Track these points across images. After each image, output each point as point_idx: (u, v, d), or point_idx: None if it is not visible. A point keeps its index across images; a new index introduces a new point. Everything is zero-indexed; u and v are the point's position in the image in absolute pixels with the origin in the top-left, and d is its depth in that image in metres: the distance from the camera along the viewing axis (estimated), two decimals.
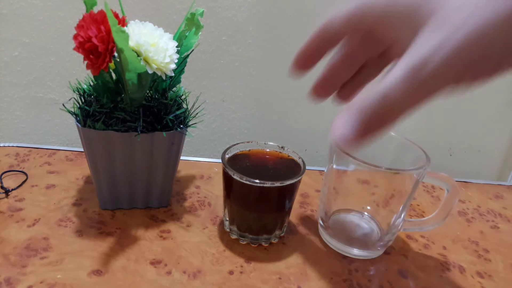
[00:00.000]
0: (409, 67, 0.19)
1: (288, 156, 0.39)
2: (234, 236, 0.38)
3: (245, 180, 0.33)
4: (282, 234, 0.39)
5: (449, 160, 0.65)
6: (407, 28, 0.21)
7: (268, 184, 0.33)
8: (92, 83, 0.37)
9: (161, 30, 0.33)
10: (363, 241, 0.38)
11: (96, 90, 0.36)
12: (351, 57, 0.27)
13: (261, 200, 0.35)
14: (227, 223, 0.38)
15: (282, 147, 0.39)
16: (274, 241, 0.38)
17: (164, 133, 0.35)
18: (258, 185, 0.33)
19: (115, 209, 0.40)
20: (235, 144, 0.38)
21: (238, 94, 0.58)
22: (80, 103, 0.37)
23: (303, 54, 0.27)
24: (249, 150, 0.39)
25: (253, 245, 0.37)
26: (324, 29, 0.25)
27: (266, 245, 0.38)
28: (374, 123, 0.20)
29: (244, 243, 0.37)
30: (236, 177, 0.34)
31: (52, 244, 0.35)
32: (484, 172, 0.66)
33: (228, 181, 0.35)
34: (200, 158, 0.53)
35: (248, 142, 0.39)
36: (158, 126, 0.36)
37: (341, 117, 0.21)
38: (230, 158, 0.37)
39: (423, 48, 0.19)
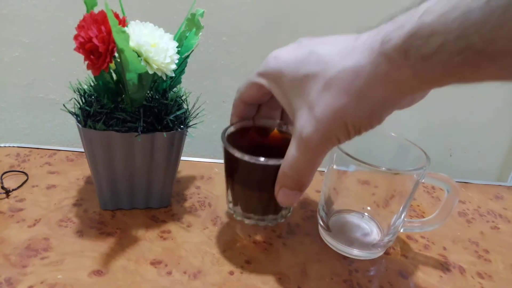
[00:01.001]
0: (300, 144, 0.28)
1: (291, 135, 0.37)
2: (238, 218, 0.36)
3: (248, 159, 0.31)
4: (289, 214, 0.37)
5: (449, 161, 0.65)
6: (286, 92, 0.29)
7: (272, 162, 0.31)
8: (92, 84, 0.37)
9: (162, 31, 0.33)
10: (363, 242, 0.38)
11: (97, 91, 0.36)
12: (251, 104, 0.36)
13: (266, 179, 0.32)
14: (230, 205, 0.36)
15: (284, 124, 0.37)
16: (281, 221, 0.36)
17: (164, 133, 0.35)
18: (262, 163, 0.31)
19: (115, 209, 0.40)
20: (235, 123, 0.36)
21: None
22: (81, 104, 0.37)
23: (235, 118, 0.36)
24: (250, 128, 0.37)
25: (259, 226, 0.34)
26: (240, 101, 0.35)
27: (273, 226, 0.35)
28: (299, 186, 0.30)
29: (250, 224, 0.36)
30: (238, 155, 0.31)
31: (53, 244, 0.35)
32: (484, 173, 0.66)
33: (229, 160, 0.33)
34: (201, 159, 0.54)
35: (248, 120, 0.36)
36: (159, 126, 0.36)
37: (280, 191, 0.31)
38: (230, 137, 0.35)
39: (305, 129, 0.27)
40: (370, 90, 0.24)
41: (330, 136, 0.26)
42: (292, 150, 0.29)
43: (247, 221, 0.36)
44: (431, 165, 0.35)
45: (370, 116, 0.25)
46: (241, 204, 0.36)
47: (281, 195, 0.31)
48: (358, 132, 0.26)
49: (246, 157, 0.31)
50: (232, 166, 0.34)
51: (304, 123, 0.27)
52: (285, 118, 0.37)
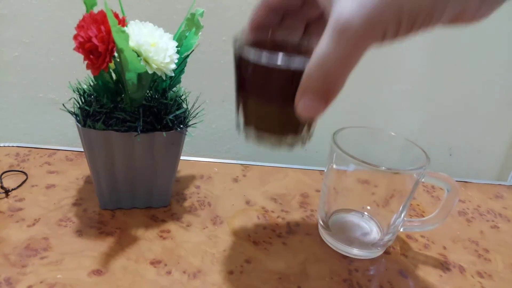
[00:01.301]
0: (335, 32, 0.20)
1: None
2: (251, 140, 0.30)
3: (265, 61, 0.25)
4: (309, 140, 0.31)
5: (449, 160, 0.65)
6: None
7: (298, 62, 0.24)
8: (92, 83, 0.37)
9: (161, 30, 0.33)
10: (363, 241, 0.38)
11: (96, 90, 0.36)
12: (275, 10, 0.29)
13: (286, 87, 0.26)
14: (241, 127, 0.30)
15: (307, 37, 0.31)
16: (300, 146, 0.30)
17: (164, 133, 0.35)
18: (284, 66, 0.25)
19: (115, 209, 0.40)
20: (248, 32, 0.30)
21: None
22: (80, 103, 0.37)
23: (253, 24, 0.29)
24: (265, 41, 0.30)
25: (276, 150, 0.29)
26: (263, 4, 0.28)
27: (290, 150, 0.29)
28: (326, 92, 0.23)
29: (265, 147, 0.30)
30: (255, 58, 0.25)
31: (52, 244, 0.35)
32: (484, 172, 0.66)
33: (242, 67, 0.27)
34: (200, 158, 0.54)
35: (264, 31, 0.30)
36: (158, 126, 0.36)
37: (301, 100, 0.24)
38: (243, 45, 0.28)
39: (344, 11, 0.20)
40: None
41: (376, 22, 0.19)
42: (322, 43, 0.21)
43: (261, 144, 0.30)
44: (431, 165, 0.35)
45: (434, 2, 0.19)
46: (255, 123, 0.29)
47: (302, 104, 0.24)
48: (411, 26, 0.20)
49: (264, 58, 0.25)
50: (244, 75, 0.28)
51: (345, 4, 0.20)
52: (310, 31, 0.31)
